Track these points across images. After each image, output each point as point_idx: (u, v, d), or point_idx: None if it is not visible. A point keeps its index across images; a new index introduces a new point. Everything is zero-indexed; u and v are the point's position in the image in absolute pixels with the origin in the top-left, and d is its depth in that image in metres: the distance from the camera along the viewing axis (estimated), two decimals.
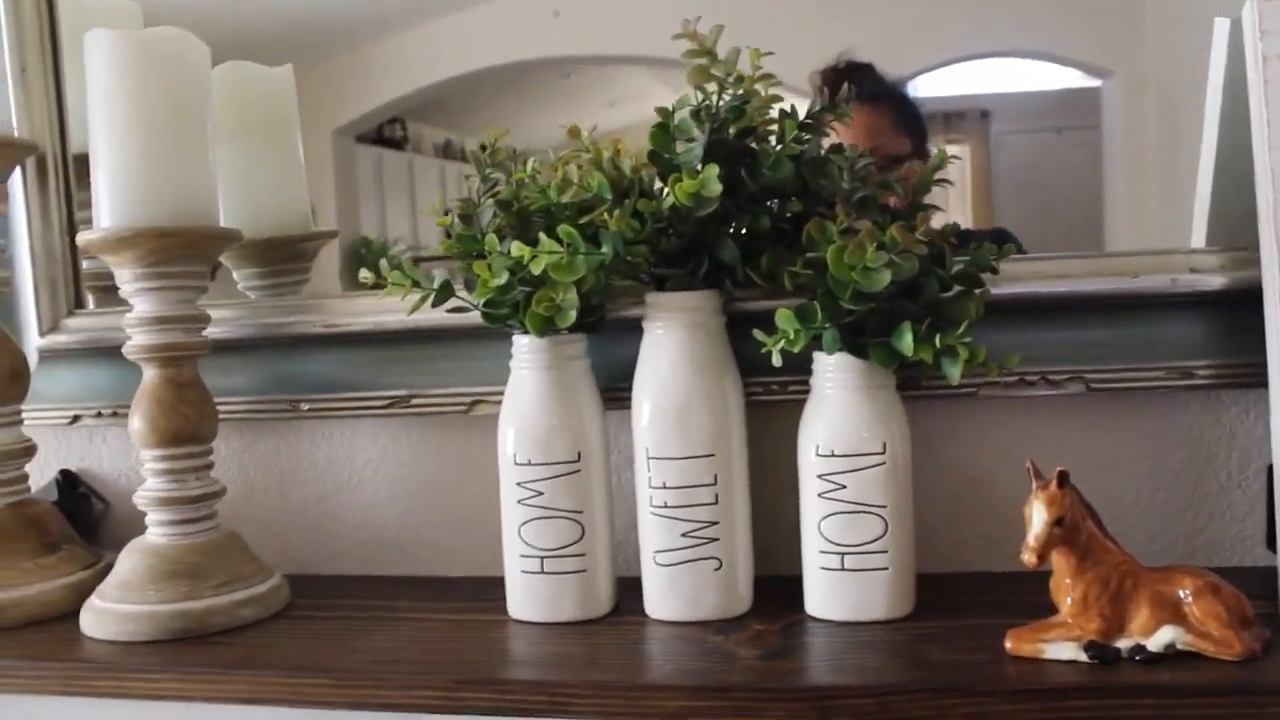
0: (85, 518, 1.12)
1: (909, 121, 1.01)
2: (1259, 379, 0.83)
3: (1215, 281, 0.90)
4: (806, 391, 0.88)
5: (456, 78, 1.11)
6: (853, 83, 0.89)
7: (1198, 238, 0.92)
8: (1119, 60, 0.97)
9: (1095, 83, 0.99)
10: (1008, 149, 1.01)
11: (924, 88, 1.01)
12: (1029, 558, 0.74)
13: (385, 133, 1.15)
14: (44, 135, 1.11)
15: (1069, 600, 0.75)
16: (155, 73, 0.92)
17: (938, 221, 0.90)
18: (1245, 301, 0.85)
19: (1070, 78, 1.00)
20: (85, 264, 1.14)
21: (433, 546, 1.07)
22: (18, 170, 1.08)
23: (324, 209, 1.14)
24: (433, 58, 1.11)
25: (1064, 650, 0.74)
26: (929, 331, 0.80)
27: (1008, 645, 0.76)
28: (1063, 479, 0.74)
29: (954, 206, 0.98)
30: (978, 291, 0.86)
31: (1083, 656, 0.73)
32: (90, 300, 1.15)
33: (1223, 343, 0.90)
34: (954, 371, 0.79)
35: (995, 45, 1.00)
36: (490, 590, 0.95)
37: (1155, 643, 0.73)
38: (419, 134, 1.15)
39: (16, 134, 1.08)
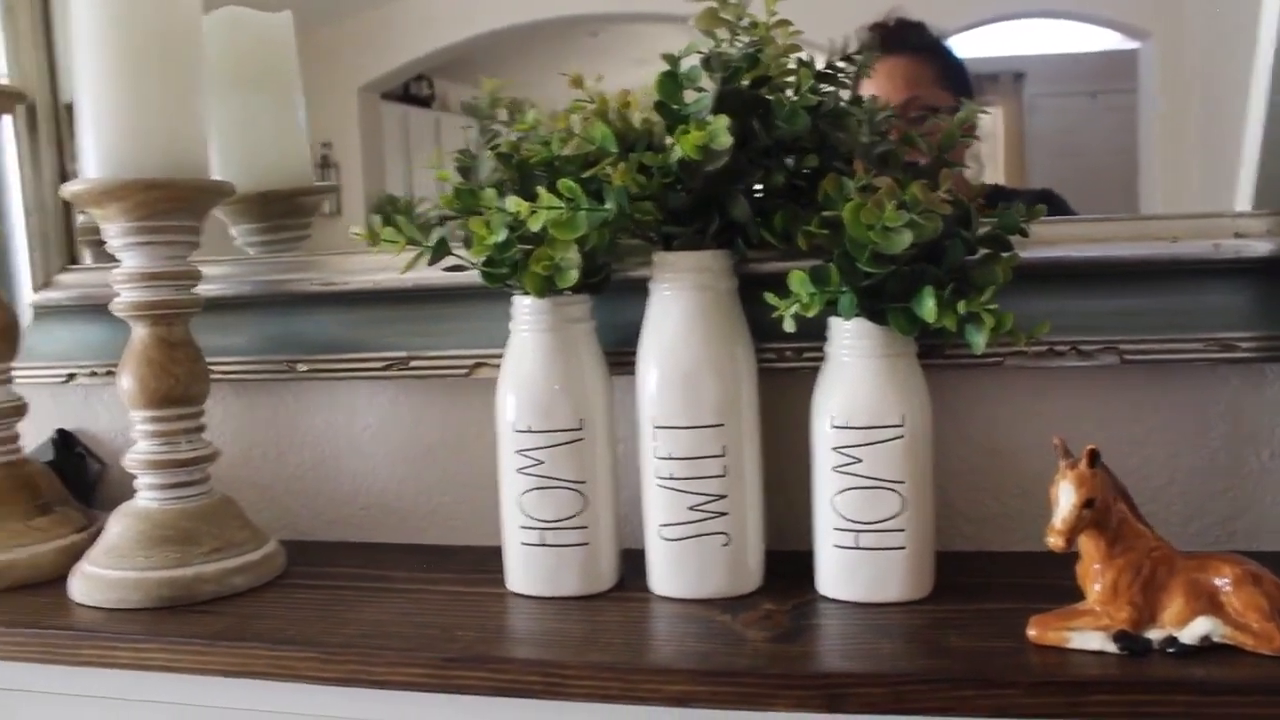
0: (82, 479, 1.10)
1: (952, 77, 0.96)
2: None
3: (1262, 247, 0.84)
4: (821, 359, 0.83)
5: (483, 35, 1.08)
6: (901, 39, 0.85)
7: (1242, 202, 0.87)
8: (1158, 21, 0.93)
9: (1133, 44, 0.95)
10: (1041, 112, 0.96)
11: (957, 49, 0.97)
12: (1055, 541, 0.69)
13: (412, 90, 1.11)
14: (33, 83, 1.08)
15: (1097, 587, 0.70)
16: (143, 17, 0.88)
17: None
18: None
19: (1107, 39, 0.96)
20: (79, 218, 1.10)
21: (433, 514, 1.03)
22: (7, 120, 1.04)
23: (350, 166, 1.11)
24: (460, 14, 1.08)
25: (1091, 640, 0.69)
26: (952, 297, 0.75)
27: (1031, 633, 0.71)
28: (1093, 458, 0.69)
29: (985, 170, 0.95)
30: (1005, 255, 0.81)
31: (1111, 647, 0.69)
32: (86, 255, 1.11)
33: (1268, 313, 0.84)
34: (979, 340, 0.74)
35: (1030, 6, 0.96)
36: (490, 561, 0.91)
37: (1189, 634, 0.68)
38: (445, 91, 1.11)
39: (6, 80, 1.04)
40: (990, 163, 0.96)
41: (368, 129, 1.10)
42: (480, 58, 1.10)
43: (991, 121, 0.94)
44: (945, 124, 0.85)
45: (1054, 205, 0.89)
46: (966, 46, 0.97)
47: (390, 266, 0.95)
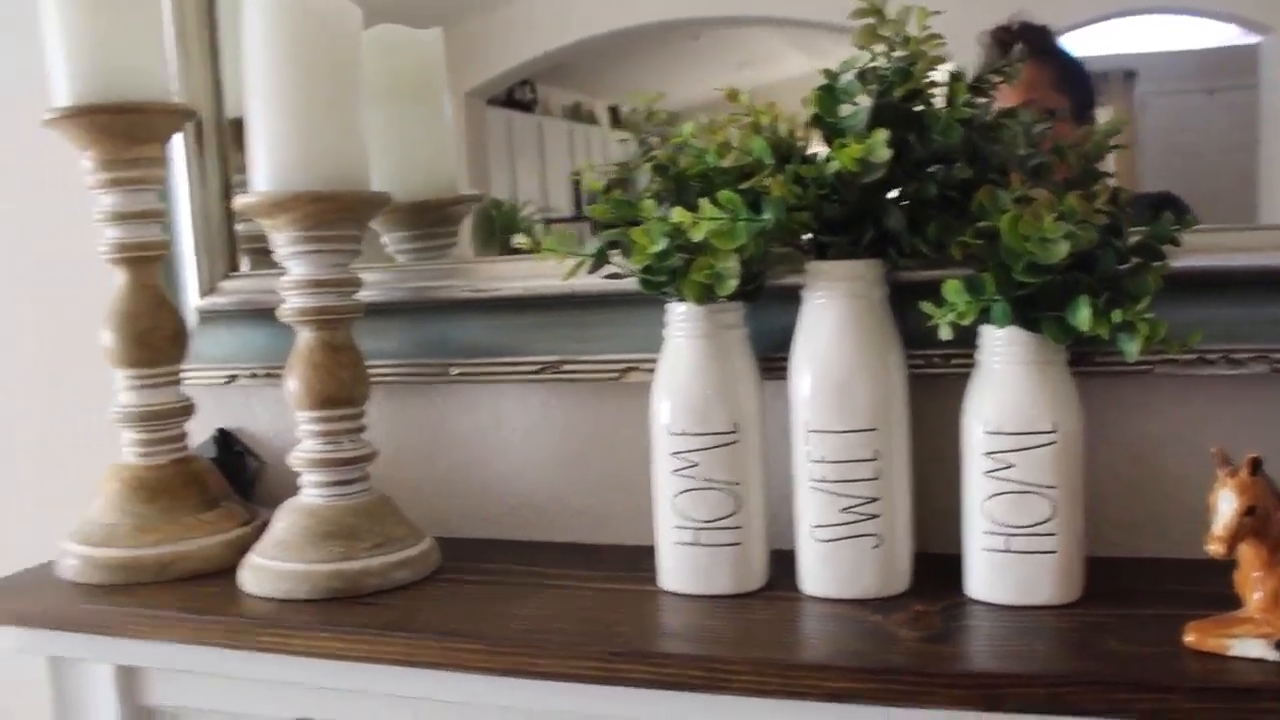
0: (241, 475, 1.15)
1: (1071, 80, 0.96)
2: None
3: None
4: (971, 365, 0.84)
5: (585, 40, 1.10)
6: (1024, 44, 0.86)
7: None
8: None
9: (1253, 39, 0.93)
10: (1153, 111, 0.95)
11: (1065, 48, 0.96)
12: (1216, 548, 0.70)
13: (515, 95, 1.15)
14: (201, 100, 1.13)
15: (1258, 595, 0.71)
16: (310, 38, 0.92)
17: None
18: None
19: (1224, 34, 0.94)
20: (240, 227, 1.16)
21: (580, 513, 1.06)
22: (178, 135, 1.10)
23: (456, 171, 1.14)
24: (563, 20, 1.10)
25: (1252, 648, 0.70)
26: (1107, 306, 0.76)
27: (1188, 639, 0.72)
28: (1255, 465, 0.70)
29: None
30: (1156, 264, 0.81)
31: (1273, 655, 0.69)
32: (245, 263, 1.17)
33: None
34: (1132, 348, 0.75)
35: (1142, 2, 0.95)
36: (639, 559, 0.94)
37: None
38: (548, 96, 1.14)
39: (176, 100, 1.09)
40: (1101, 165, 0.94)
41: (473, 134, 1.13)
42: (582, 63, 1.12)
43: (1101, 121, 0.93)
44: (1070, 129, 0.86)
45: (1174, 208, 0.89)
46: (1076, 45, 0.96)
47: (539, 274, 0.98)
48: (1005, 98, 0.89)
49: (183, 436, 1.07)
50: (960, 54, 0.86)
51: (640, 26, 1.07)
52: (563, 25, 1.10)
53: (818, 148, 0.85)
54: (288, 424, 1.12)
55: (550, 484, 1.07)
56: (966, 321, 0.78)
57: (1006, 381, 0.81)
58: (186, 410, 1.07)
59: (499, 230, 1.12)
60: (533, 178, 1.15)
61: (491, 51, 1.13)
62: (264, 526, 1.01)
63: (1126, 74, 0.96)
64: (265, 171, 0.93)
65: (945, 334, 0.78)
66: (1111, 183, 0.86)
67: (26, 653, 1.01)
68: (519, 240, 0.87)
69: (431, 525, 1.04)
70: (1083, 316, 0.76)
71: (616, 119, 1.11)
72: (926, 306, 0.79)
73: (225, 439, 1.17)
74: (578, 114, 1.14)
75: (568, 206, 1.14)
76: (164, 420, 1.05)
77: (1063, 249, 0.74)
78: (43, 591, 0.99)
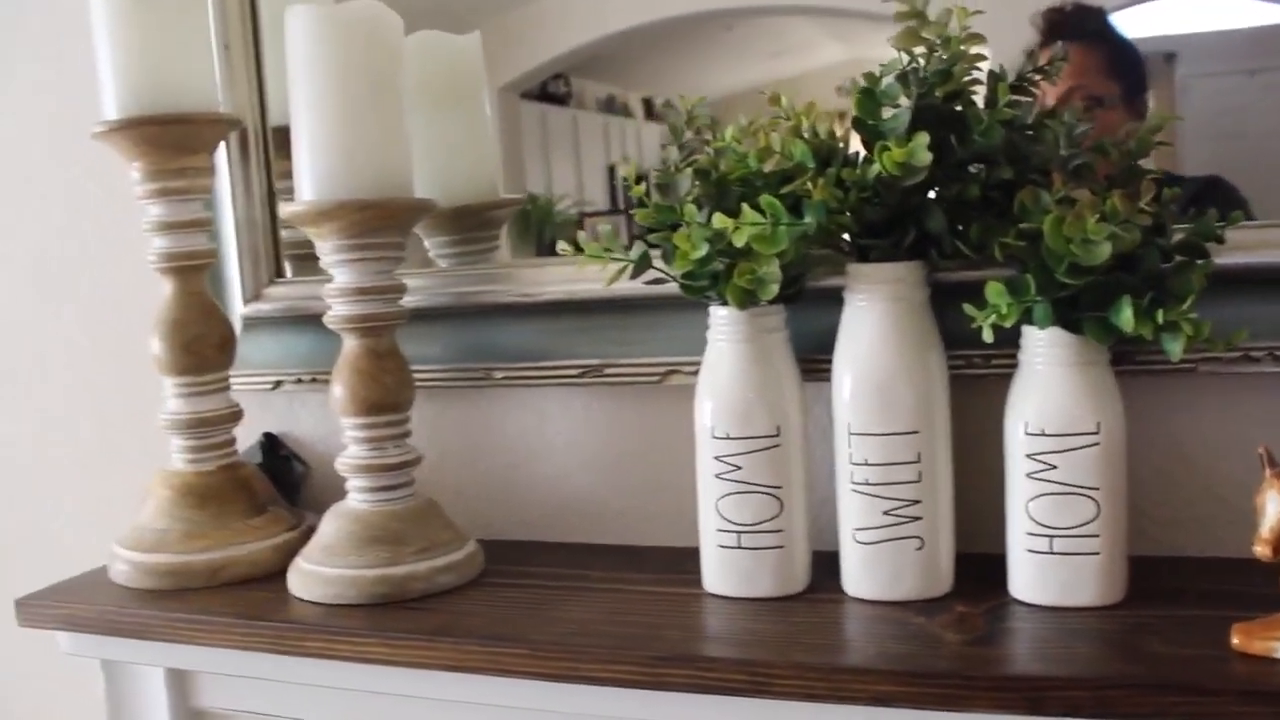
0: (287, 480, 1.16)
1: (1122, 65, 0.94)
2: None
3: None
4: (1013, 365, 0.84)
5: (619, 33, 1.10)
6: (1075, 26, 0.85)
7: None
8: None
9: None
10: (1194, 94, 0.94)
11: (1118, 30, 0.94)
12: (1263, 550, 0.70)
13: (549, 89, 1.15)
14: (246, 109, 1.15)
15: None
16: (353, 46, 0.93)
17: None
18: None
19: (1267, 13, 0.92)
20: (284, 233, 1.17)
21: (623, 515, 1.07)
22: (222, 144, 1.11)
23: (497, 175, 1.15)
24: (596, 12, 1.10)
25: None
26: (1150, 306, 0.76)
27: (1235, 641, 0.72)
28: None
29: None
30: (1200, 262, 0.81)
31: None
32: (289, 268, 1.18)
33: None
34: (1175, 348, 0.75)
35: None
36: (682, 561, 0.95)
37: None
38: (582, 89, 1.15)
39: (221, 109, 1.11)
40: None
41: (507, 128, 1.14)
42: (615, 55, 1.13)
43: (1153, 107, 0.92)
44: (1118, 119, 0.85)
45: (1223, 193, 0.88)
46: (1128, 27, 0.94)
47: (581, 278, 0.98)
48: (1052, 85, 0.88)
49: (231, 442, 1.09)
50: (1002, 41, 0.85)
51: (674, 18, 1.07)
52: (597, 18, 1.10)
53: (853, 140, 0.85)
54: (332, 428, 1.14)
55: (593, 486, 1.08)
56: (1009, 323, 0.78)
57: (1049, 382, 0.81)
58: (234, 417, 1.09)
59: (535, 225, 1.13)
60: (568, 171, 1.16)
61: (525, 46, 1.13)
62: (310, 531, 1.02)
63: (1167, 56, 0.94)
64: (310, 180, 0.94)
65: (987, 336, 0.78)
66: (1153, 166, 0.85)
67: (80, 655, 1.04)
68: (562, 247, 0.88)
69: (475, 528, 1.05)
70: (1126, 317, 0.76)
71: (651, 111, 1.11)
72: (969, 309, 0.79)
73: (271, 443, 1.18)
74: (612, 106, 1.15)
75: (604, 200, 1.15)
76: (212, 427, 1.06)
77: (1105, 250, 0.74)
78: (95, 596, 1.01)
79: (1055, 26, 0.89)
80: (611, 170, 1.15)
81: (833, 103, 0.95)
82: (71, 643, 1.03)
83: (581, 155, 1.16)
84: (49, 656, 1.10)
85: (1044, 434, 0.81)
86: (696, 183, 0.86)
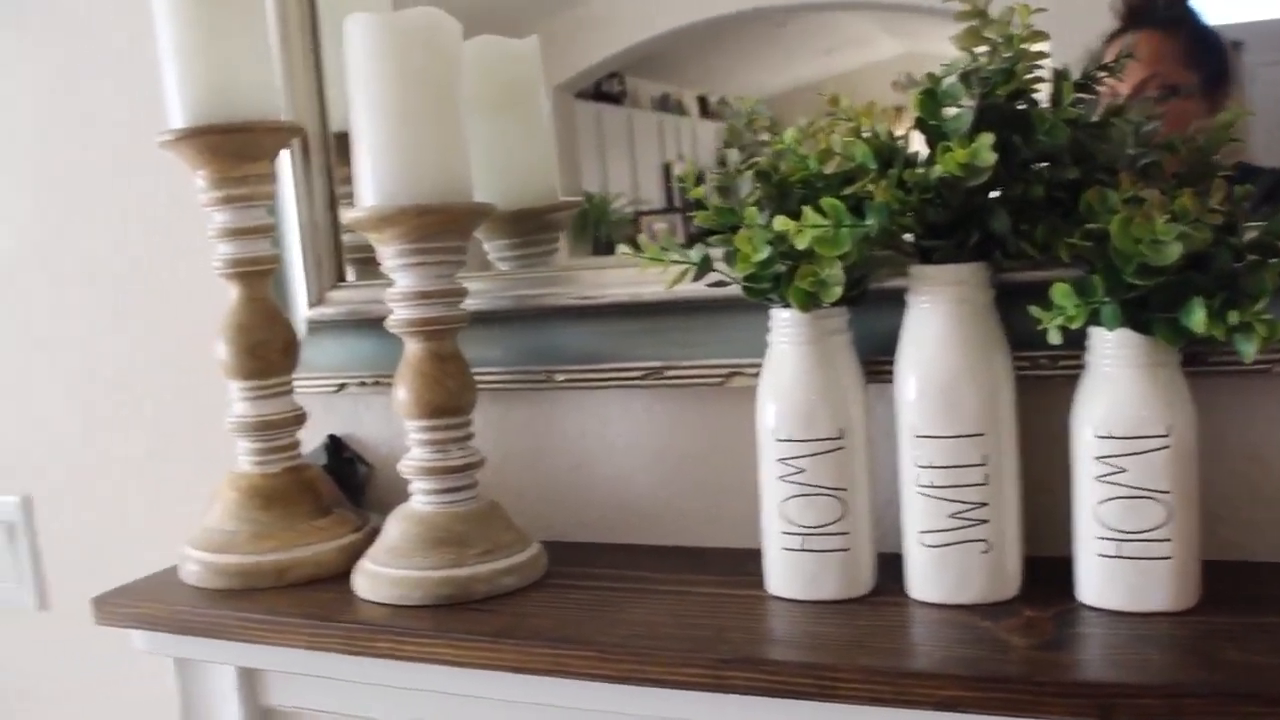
0: (351, 481, 1.18)
1: (1202, 54, 0.92)
2: None
3: None
4: (1080, 367, 0.83)
5: (672, 31, 1.10)
6: (1152, 12, 0.83)
7: None
8: None
9: None
10: (1263, 83, 0.91)
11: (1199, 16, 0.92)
12: None
13: (604, 88, 1.15)
14: (307, 116, 1.16)
15: None
16: (412, 54, 0.94)
17: None
18: None
19: None
20: (346, 237, 1.18)
21: (684, 517, 1.07)
22: (285, 151, 1.13)
23: (556, 177, 1.15)
24: (649, 11, 1.10)
25: None
26: (1222, 307, 0.74)
27: None
28: None
29: None
30: (1273, 261, 0.79)
31: None
32: (350, 272, 1.19)
33: None
34: (1249, 349, 0.74)
35: None
36: (744, 563, 0.94)
37: None
38: (636, 88, 1.15)
39: (283, 116, 1.12)
40: None
41: (562, 128, 1.14)
42: (669, 53, 1.12)
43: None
44: (1190, 106, 0.83)
45: None
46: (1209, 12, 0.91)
47: (642, 281, 0.98)
48: (1127, 73, 0.86)
49: (296, 445, 1.10)
50: (1063, 36, 0.84)
51: (728, 15, 1.06)
52: (650, 16, 1.10)
53: (907, 132, 0.84)
54: (394, 430, 1.15)
55: (654, 488, 1.08)
56: (1076, 325, 0.77)
57: (1117, 384, 0.80)
58: (299, 419, 1.10)
59: (591, 224, 1.14)
60: (623, 170, 1.16)
61: (579, 45, 1.13)
62: (374, 532, 1.04)
63: (1233, 44, 0.92)
64: (371, 186, 0.95)
65: (1054, 338, 0.77)
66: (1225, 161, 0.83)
67: (154, 653, 1.06)
68: (624, 249, 0.88)
69: (536, 529, 1.05)
70: (1197, 319, 0.74)
71: (705, 108, 1.11)
72: (1035, 311, 0.78)
73: (336, 445, 1.19)
74: (666, 104, 1.15)
75: (659, 199, 1.15)
76: (277, 430, 1.08)
77: (1175, 251, 0.73)
78: (167, 596, 1.03)
79: (1136, 11, 0.87)
80: (666, 169, 1.15)
81: (888, 98, 0.94)
82: (147, 641, 1.05)
83: (636, 154, 1.16)
84: (123, 654, 1.12)
85: (1112, 437, 0.79)
86: (757, 185, 0.86)
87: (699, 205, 0.88)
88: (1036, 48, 0.80)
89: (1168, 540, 0.79)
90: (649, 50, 1.12)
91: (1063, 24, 0.86)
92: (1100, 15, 0.90)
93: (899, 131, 0.86)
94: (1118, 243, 0.74)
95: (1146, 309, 0.78)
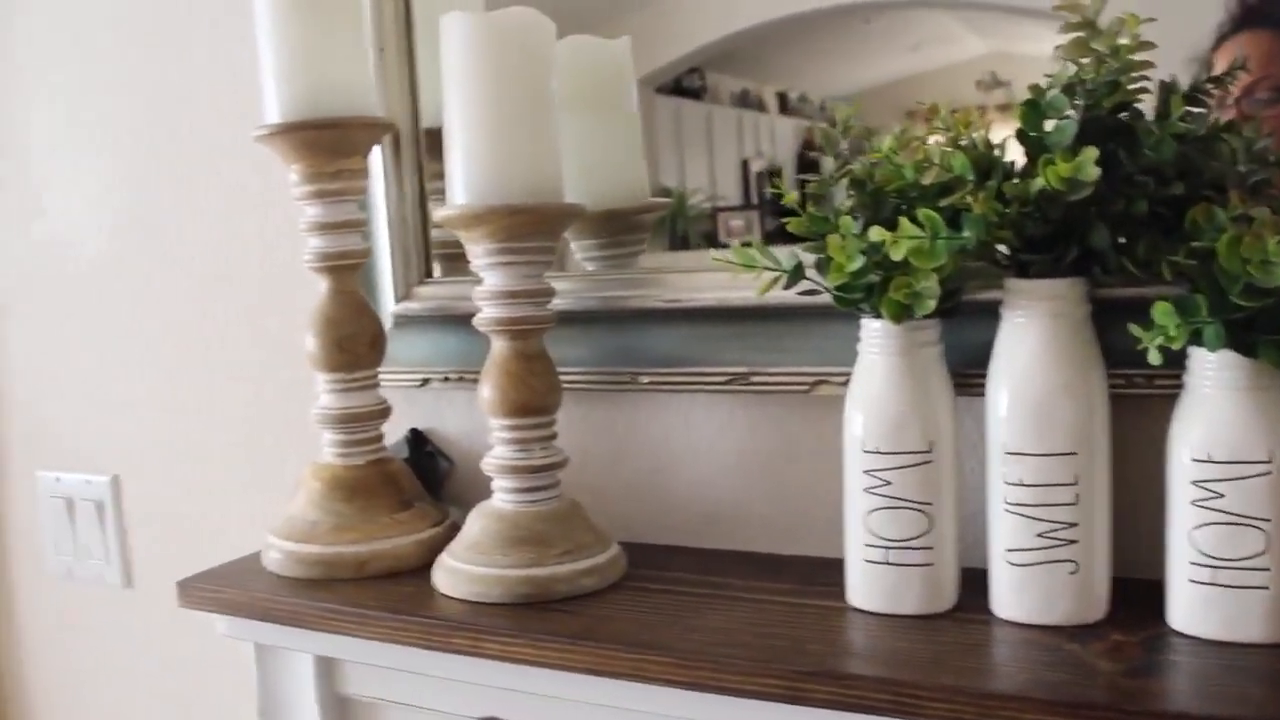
0: (432, 475, 1.19)
1: None
2: None
3: None
4: (1177, 387, 0.81)
5: (755, 26, 1.09)
6: (1266, 12, 0.81)
7: None
8: None
9: None
10: None
11: None
12: None
13: (684, 83, 1.15)
14: (399, 112, 1.17)
15: None
16: (507, 54, 0.94)
17: None
18: None
19: None
20: (434, 233, 1.19)
21: (766, 524, 1.06)
22: (376, 146, 1.14)
23: (644, 178, 1.15)
24: (731, 6, 1.10)
25: None
26: None
27: None
28: None
29: None
30: None
31: None
32: (438, 268, 1.20)
33: None
34: None
35: None
36: (824, 573, 0.94)
37: None
38: (716, 84, 1.14)
39: (376, 112, 1.13)
40: None
41: (643, 123, 1.14)
42: (751, 49, 1.11)
43: None
44: None
45: None
46: None
47: (732, 285, 0.98)
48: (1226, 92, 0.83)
49: (379, 438, 1.11)
50: (1167, 44, 0.82)
51: (812, 12, 1.05)
52: (733, 12, 1.10)
53: (1004, 141, 0.83)
54: (476, 426, 1.16)
55: (735, 494, 1.08)
56: (1177, 346, 0.75)
57: (1218, 407, 0.78)
58: (384, 413, 1.11)
59: (669, 219, 1.13)
60: (701, 166, 1.16)
61: (662, 40, 1.13)
62: (454, 527, 1.04)
63: None
64: (463, 185, 0.96)
65: (1155, 359, 0.75)
66: None
67: (234, 638, 1.07)
68: (715, 255, 0.87)
69: (616, 530, 1.05)
70: None
71: (785, 105, 1.10)
72: (1135, 330, 0.76)
73: (417, 439, 1.20)
74: (746, 101, 1.14)
75: (737, 195, 1.14)
76: (362, 423, 1.09)
77: None
78: (250, 582, 1.05)
79: (1250, 11, 0.84)
80: (745, 165, 1.15)
81: (973, 98, 0.93)
82: (228, 625, 1.07)
83: (715, 149, 1.16)
84: (204, 636, 1.14)
85: (1211, 460, 0.77)
86: (852, 193, 0.85)
87: (792, 213, 0.87)
88: (1143, 57, 0.78)
89: (1266, 570, 0.77)
90: (730, 46, 1.12)
91: (1167, 30, 0.84)
92: (1205, 21, 0.87)
93: (990, 135, 0.84)
94: (1225, 262, 0.72)
95: (1251, 330, 0.76)
